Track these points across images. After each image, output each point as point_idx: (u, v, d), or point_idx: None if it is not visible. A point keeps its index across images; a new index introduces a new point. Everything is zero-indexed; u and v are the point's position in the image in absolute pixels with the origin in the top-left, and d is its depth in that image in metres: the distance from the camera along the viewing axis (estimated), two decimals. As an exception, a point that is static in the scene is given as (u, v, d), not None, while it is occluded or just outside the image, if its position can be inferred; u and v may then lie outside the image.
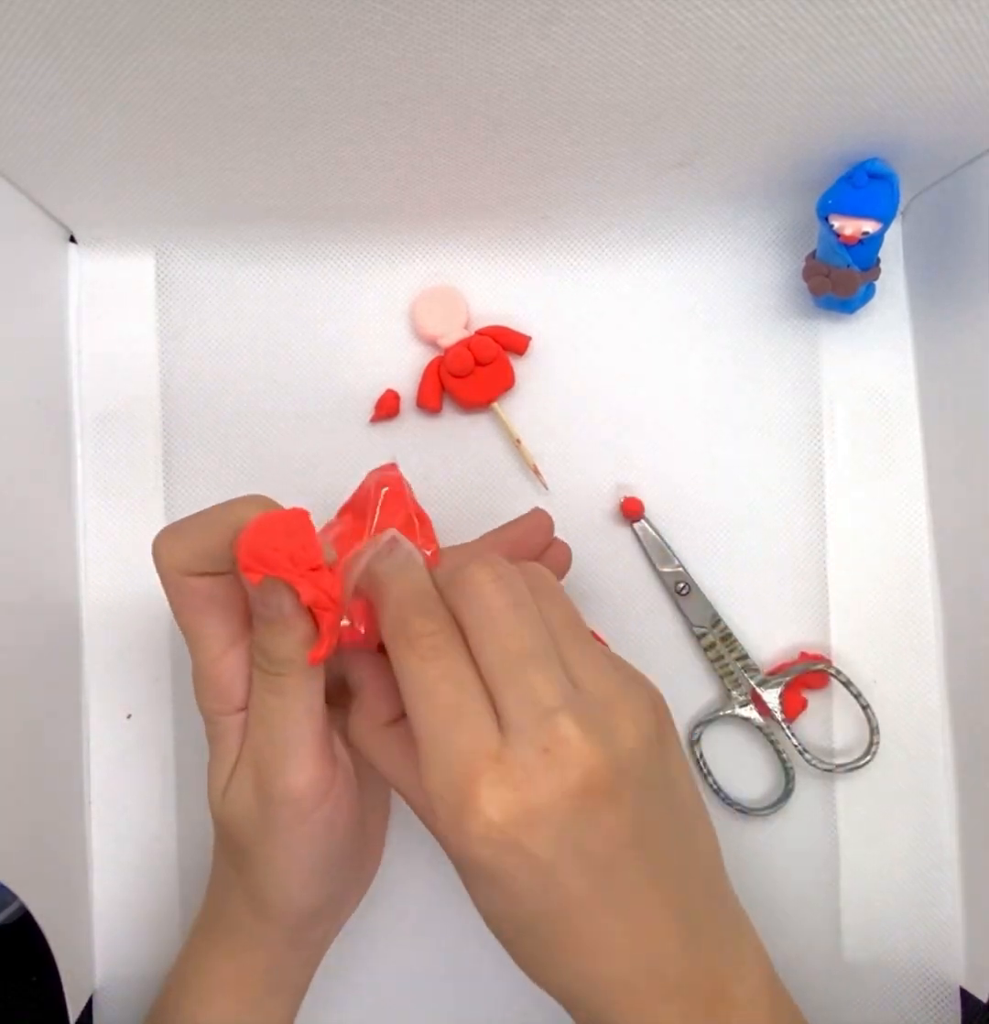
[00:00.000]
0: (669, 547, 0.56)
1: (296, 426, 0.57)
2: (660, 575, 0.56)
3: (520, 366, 0.57)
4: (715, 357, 0.57)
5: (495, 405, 0.56)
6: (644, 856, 0.37)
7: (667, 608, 0.56)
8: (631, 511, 0.56)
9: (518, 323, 0.57)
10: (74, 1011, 0.49)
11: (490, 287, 0.58)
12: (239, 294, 0.58)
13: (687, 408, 0.57)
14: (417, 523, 0.46)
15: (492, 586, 0.38)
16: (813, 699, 0.55)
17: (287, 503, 0.39)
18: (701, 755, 0.55)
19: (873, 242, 0.50)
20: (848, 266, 0.51)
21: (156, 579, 0.56)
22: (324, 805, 0.41)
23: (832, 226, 0.50)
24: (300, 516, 0.38)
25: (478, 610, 0.38)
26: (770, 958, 0.40)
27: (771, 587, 0.56)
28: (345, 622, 0.41)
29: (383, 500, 0.46)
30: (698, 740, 0.55)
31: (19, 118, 0.45)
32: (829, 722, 0.56)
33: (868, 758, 0.54)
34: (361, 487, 0.48)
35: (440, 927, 0.55)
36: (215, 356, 0.57)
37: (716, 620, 0.55)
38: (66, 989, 0.48)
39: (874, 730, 0.54)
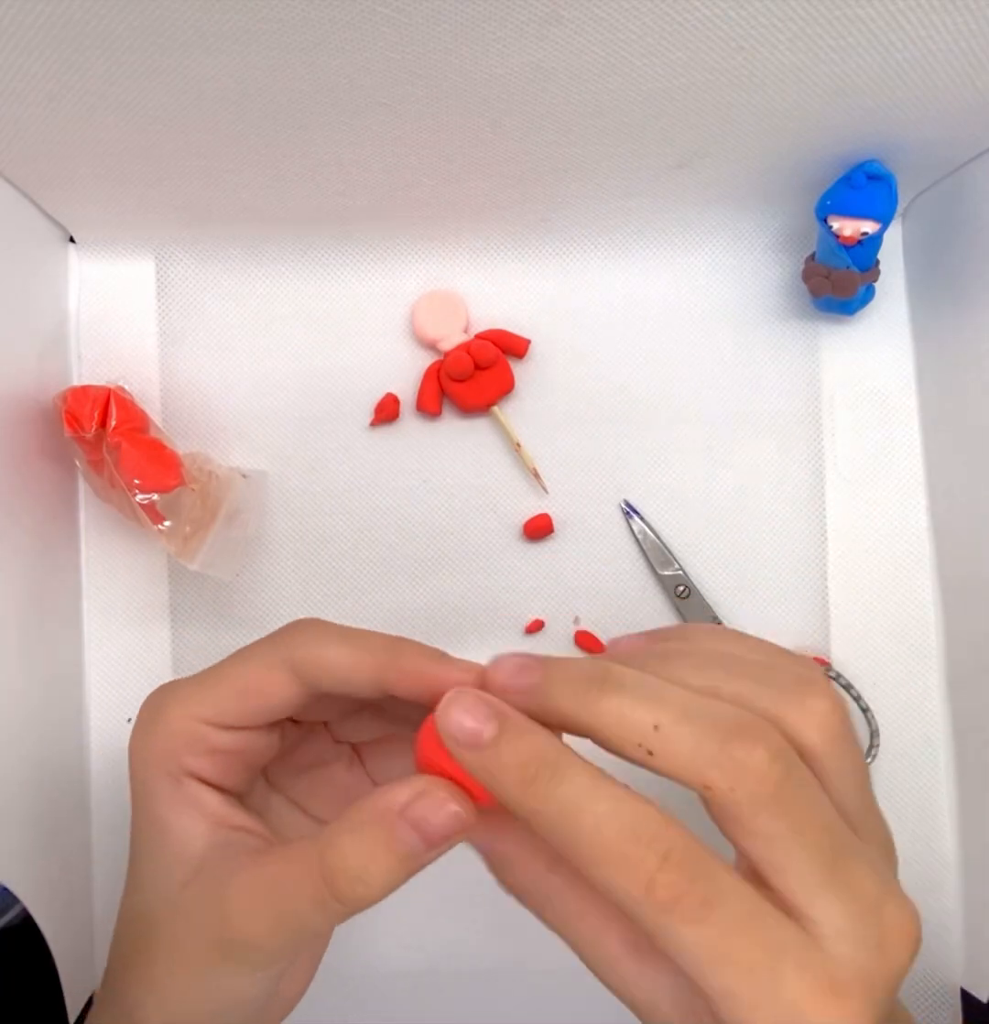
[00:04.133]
0: (669, 550, 0.56)
1: (296, 429, 0.57)
2: (660, 578, 0.56)
3: (520, 369, 0.57)
4: (715, 358, 0.57)
5: (495, 408, 0.56)
6: None
7: (667, 611, 0.56)
8: (536, 529, 0.56)
9: (518, 326, 0.57)
10: (74, 1011, 0.49)
11: (490, 290, 0.58)
12: (239, 297, 0.58)
13: (687, 410, 0.57)
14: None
15: (782, 786, 0.29)
16: (813, 701, 0.55)
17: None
18: (701, 757, 0.55)
19: (872, 243, 0.50)
20: (847, 267, 0.51)
21: (155, 581, 0.57)
22: None
23: (831, 227, 0.50)
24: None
25: (775, 823, 0.29)
26: None
27: (771, 589, 0.56)
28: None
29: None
30: (698, 742, 0.55)
31: (19, 119, 0.45)
32: (829, 724, 0.56)
33: (868, 760, 0.54)
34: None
35: (442, 928, 0.55)
36: (215, 359, 0.57)
37: (716, 622, 0.55)
38: (66, 989, 0.48)
39: (874, 732, 0.54)
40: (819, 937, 0.28)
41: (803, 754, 0.30)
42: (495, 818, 0.33)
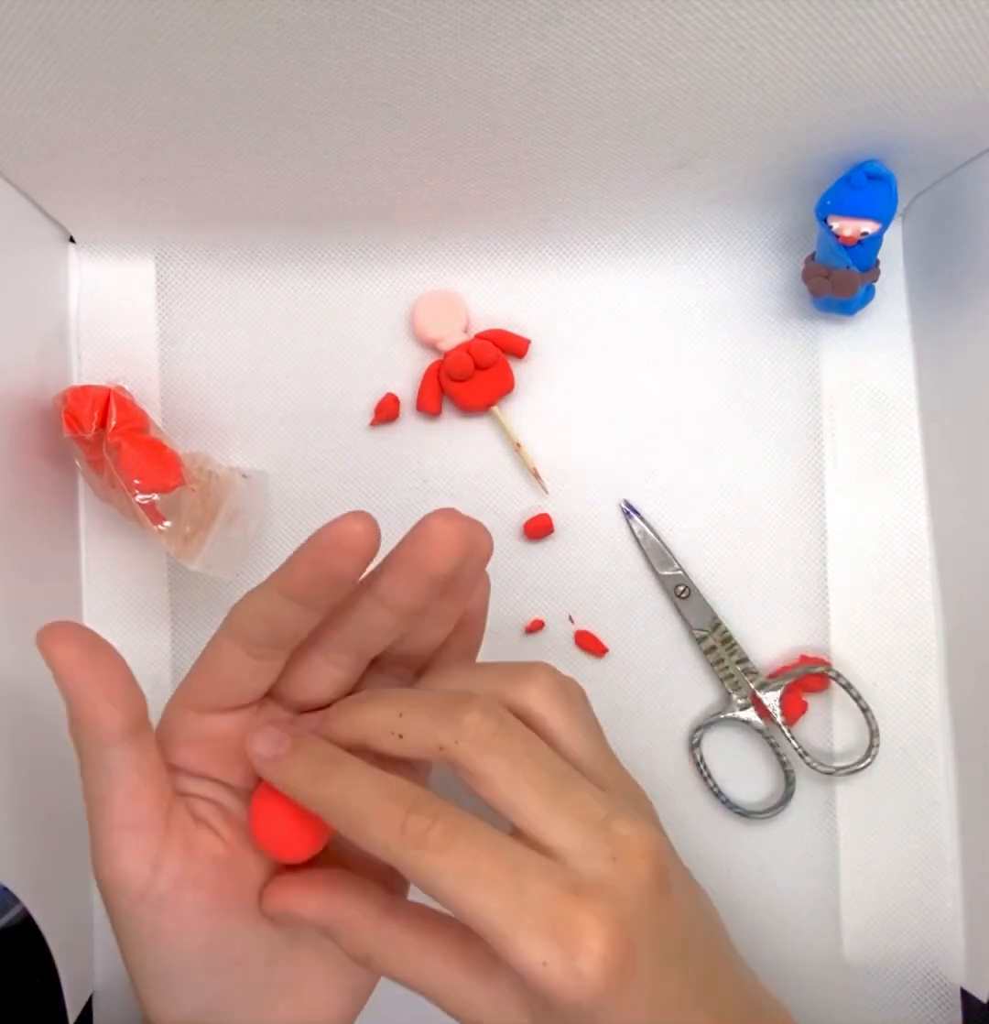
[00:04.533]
0: (669, 550, 0.56)
1: (296, 429, 0.57)
2: (660, 578, 0.56)
3: (520, 369, 0.57)
4: (715, 359, 0.57)
5: (495, 408, 0.56)
6: (700, 940, 0.37)
7: (667, 611, 0.56)
8: (536, 529, 0.56)
9: (518, 326, 0.57)
10: (73, 1012, 0.49)
11: (490, 290, 0.58)
12: (239, 297, 0.58)
13: (687, 410, 0.57)
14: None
15: (497, 733, 0.35)
16: (813, 702, 0.55)
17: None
18: (701, 758, 0.55)
19: (872, 243, 0.50)
20: (847, 267, 0.51)
21: (155, 581, 0.57)
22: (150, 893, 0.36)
23: (831, 227, 0.50)
24: None
25: (495, 763, 0.35)
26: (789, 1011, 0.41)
27: (771, 589, 0.56)
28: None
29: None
30: (698, 743, 0.55)
31: (19, 118, 0.45)
32: (829, 725, 0.56)
33: (868, 761, 0.54)
34: None
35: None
36: (215, 359, 0.57)
37: (716, 623, 0.55)
38: (66, 990, 0.48)
39: (874, 733, 0.54)
40: (557, 858, 0.34)
41: (528, 720, 0.38)
42: (323, 891, 0.38)
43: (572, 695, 0.40)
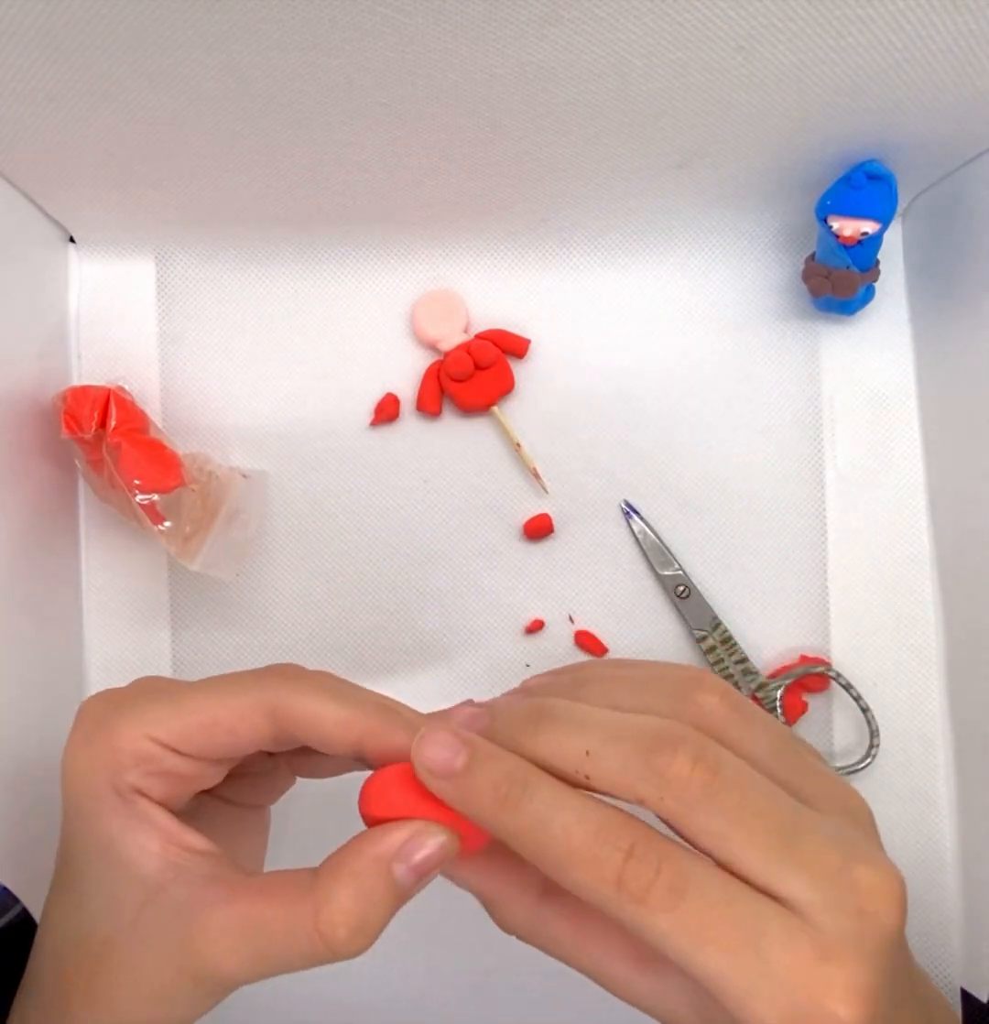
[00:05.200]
0: (669, 550, 0.56)
1: (296, 429, 0.57)
2: (660, 578, 0.56)
3: (520, 369, 0.57)
4: (715, 359, 0.57)
5: (495, 408, 0.56)
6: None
7: (667, 611, 0.56)
8: (536, 529, 0.56)
9: (518, 326, 0.57)
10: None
11: (490, 290, 0.58)
12: (239, 297, 0.58)
13: (687, 410, 0.57)
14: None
15: (709, 787, 0.30)
16: (813, 702, 0.55)
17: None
18: (701, 757, 0.55)
19: (872, 243, 0.50)
20: (847, 267, 0.51)
21: (155, 581, 0.57)
22: None
23: (831, 227, 0.50)
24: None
25: (711, 822, 0.30)
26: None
27: (771, 589, 0.56)
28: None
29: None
30: (698, 742, 0.55)
31: (19, 119, 0.45)
32: (829, 725, 0.56)
33: (868, 760, 0.54)
34: None
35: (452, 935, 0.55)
36: (215, 359, 0.57)
37: (716, 623, 0.55)
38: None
39: (874, 733, 0.54)
40: (796, 912, 0.29)
41: (713, 737, 0.32)
42: (482, 860, 0.35)
43: (746, 702, 0.35)
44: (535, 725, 0.33)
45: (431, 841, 0.32)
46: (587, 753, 0.32)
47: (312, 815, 0.51)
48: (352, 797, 0.35)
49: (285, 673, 0.37)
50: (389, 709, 0.36)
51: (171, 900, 0.34)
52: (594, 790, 0.32)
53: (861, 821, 0.35)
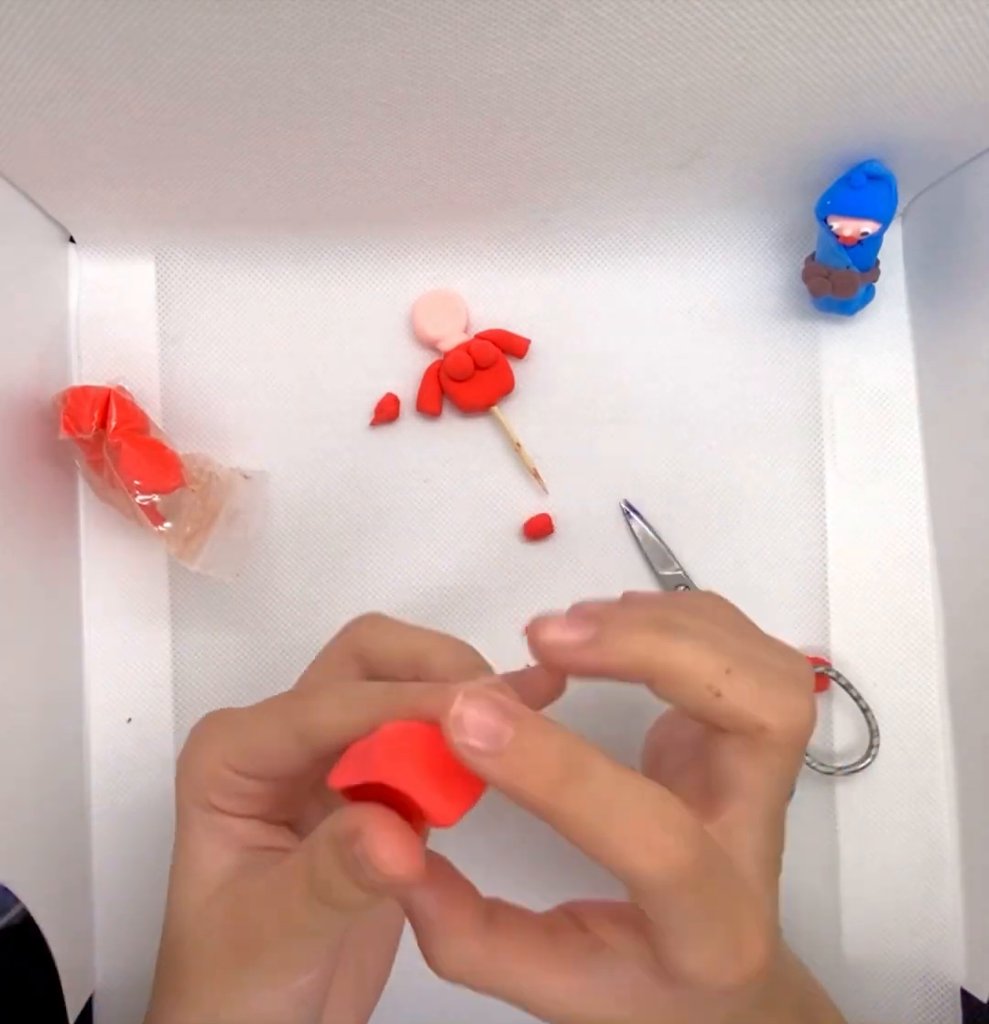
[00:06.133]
0: (669, 550, 0.56)
1: (296, 429, 0.57)
2: (660, 578, 0.56)
3: (520, 369, 0.57)
4: (715, 359, 0.57)
5: (495, 409, 0.56)
6: None
7: (667, 610, 0.56)
8: (536, 529, 0.56)
9: (518, 326, 0.57)
10: (74, 1011, 0.49)
11: (490, 290, 0.58)
12: (239, 297, 0.58)
13: (687, 410, 0.57)
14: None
15: (813, 720, 0.34)
16: (813, 701, 0.55)
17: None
18: (701, 757, 0.55)
19: (872, 243, 0.50)
20: (847, 267, 0.51)
21: (155, 582, 0.57)
22: None
23: (831, 227, 0.50)
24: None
25: (800, 755, 0.34)
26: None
27: (771, 589, 0.56)
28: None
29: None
30: (698, 742, 0.55)
31: (19, 118, 0.45)
32: (829, 725, 0.56)
33: (868, 760, 0.54)
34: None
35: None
36: (215, 359, 0.57)
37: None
38: (66, 989, 0.48)
39: (874, 732, 0.54)
40: None
41: None
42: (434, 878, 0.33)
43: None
44: (673, 634, 0.33)
45: (381, 851, 0.29)
46: (728, 671, 0.32)
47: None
48: None
49: (300, 693, 0.38)
50: (393, 689, 0.34)
51: (232, 889, 0.36)
52: (711, 711, 0.32)
53: None
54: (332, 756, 0.34)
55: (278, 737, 0.36)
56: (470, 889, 0.34)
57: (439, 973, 0.33)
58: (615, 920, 0.34)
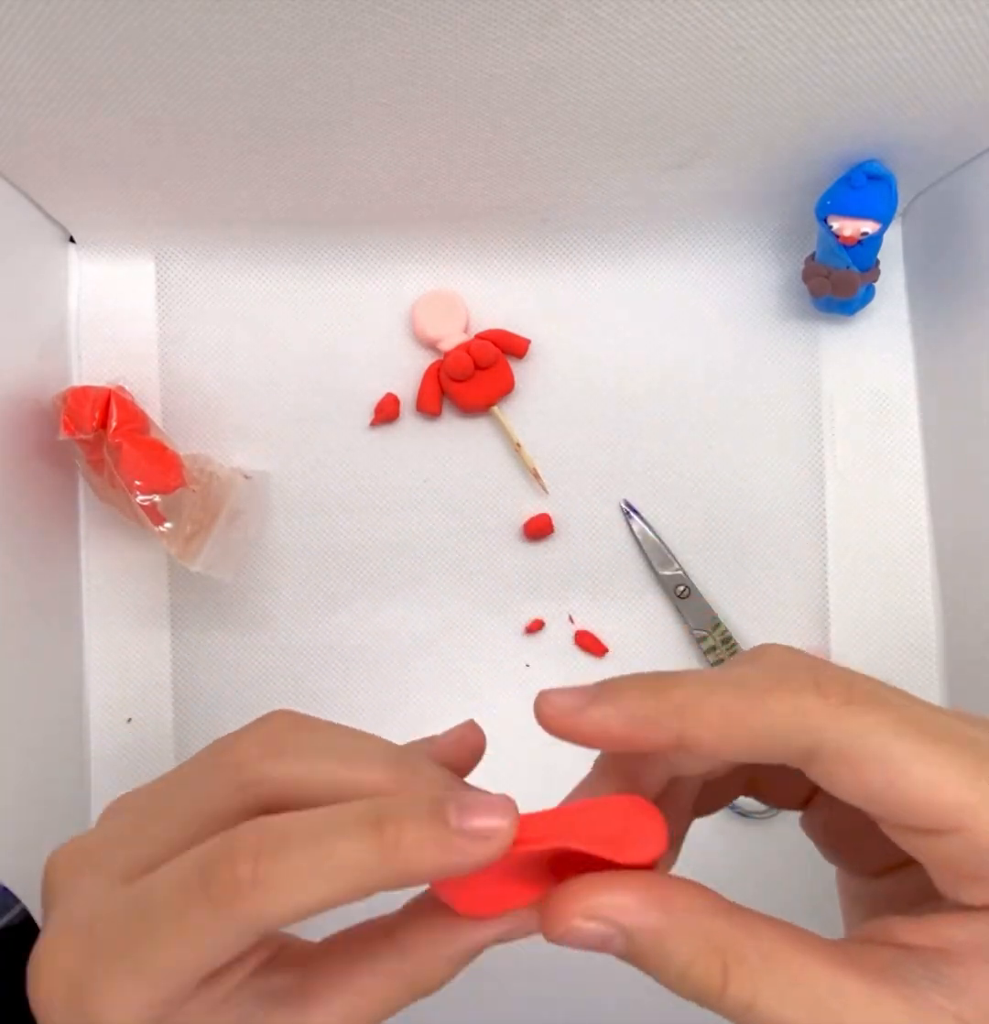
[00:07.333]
0: (669, 550, 0.56)
1: (296, 429, 0.57)
2: (660, 578, 0.56)
3: (520, 369, 0.57)
4: (715, 358, 0.57)
5: (495, 408, 0.56)
6: None
7: (667, 611, 0.56)
8: (536, 529, 0.57)
9: (518, 326, 0.57)
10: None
11: (490, 291, 0.58)
12: (239, 297, 0.58)
13: (687, 410, 0.57)
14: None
15: None
16: (813, 701, 0.55)
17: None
18: (701, 757, 0.55)
19: (872, 243, 0.50)
20: (847, 267, 0.51)
21: (155, 582, 0.57)
22: None
23: (831, 227, 0.50)
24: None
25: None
26: None
27: (771, 589, 0.56)
28: None
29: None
30: (698, 742, 0.55)
31: (19, 119, 0.45)
32: (829, 724, 0.56)
33: (868, 760, 0.54)
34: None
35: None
36: (215, 359, 0.57)
37: (716, 623, 0.55)
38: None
39: (874, 732, 0.54)
40: None
41: None
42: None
43: None
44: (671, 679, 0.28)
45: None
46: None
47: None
48: None
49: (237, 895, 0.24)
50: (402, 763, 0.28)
51: None
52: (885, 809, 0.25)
53: None
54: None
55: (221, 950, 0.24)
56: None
57: None
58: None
